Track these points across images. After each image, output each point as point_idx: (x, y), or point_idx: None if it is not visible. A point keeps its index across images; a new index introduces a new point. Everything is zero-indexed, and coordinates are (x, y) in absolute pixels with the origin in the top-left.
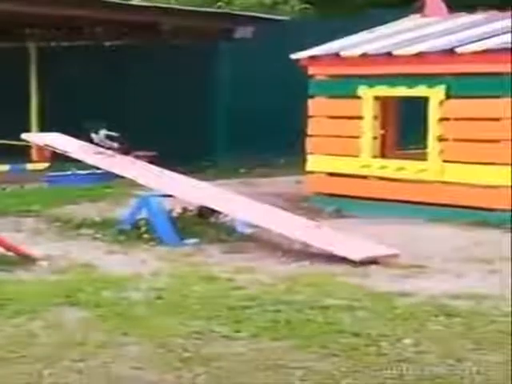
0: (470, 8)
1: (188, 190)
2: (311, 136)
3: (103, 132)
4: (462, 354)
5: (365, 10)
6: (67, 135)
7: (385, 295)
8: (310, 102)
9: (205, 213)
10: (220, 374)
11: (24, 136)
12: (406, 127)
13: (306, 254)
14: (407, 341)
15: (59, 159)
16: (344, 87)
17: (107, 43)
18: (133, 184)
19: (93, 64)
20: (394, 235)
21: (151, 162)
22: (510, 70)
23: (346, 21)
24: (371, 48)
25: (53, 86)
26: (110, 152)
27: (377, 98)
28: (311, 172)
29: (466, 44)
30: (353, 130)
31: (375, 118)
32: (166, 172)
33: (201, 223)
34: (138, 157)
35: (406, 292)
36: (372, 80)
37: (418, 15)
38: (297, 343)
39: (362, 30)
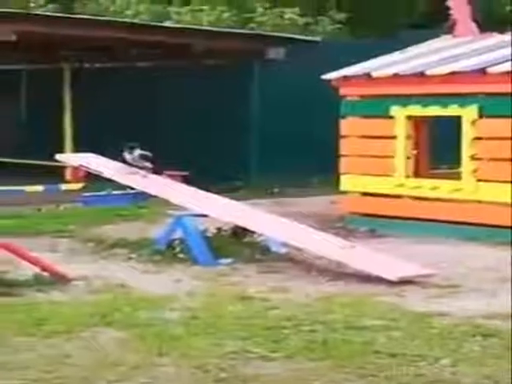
0: (500, 27)
1: (222, 210)
2: (344, 156)
3: (137, 152)
4: (500, 374)
5: (396, 31)
6: (101, 156)
7: (421, 315)
8: (342, 122)
9: (239, 232)
10: None
11: (58, 157)
12: (438, 146)
13: (342, 273)
14: (445, 361)
15: (93, 179)
16: (376, 107)
17: (141, 64)
18: (167, 204)
19: (126, 85)
20: (428, 255)
21: (183, 182)
22: None
23: (378, 41)
24: (403, 68)
25: (87, 107)
26: (143, 172)
27: (409, 117)
28: (345, 192)
29: (498, 64)
30: (386, 150)
31: (408, 137)
32: (200, 192)
33: (235, 243)
34: (170, 176)
35: (443, 312)
36: (404, 100)
37: (449, 35)
38: (333, 363)
39: (393, 50)
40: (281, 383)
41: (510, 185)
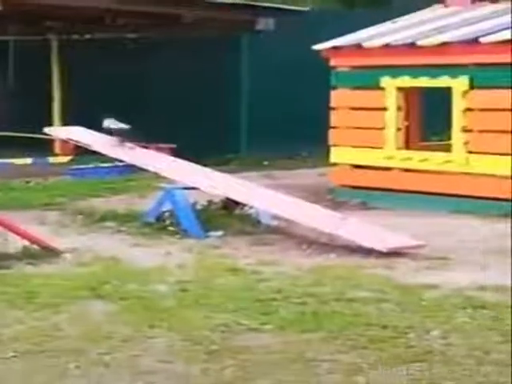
0: None
1: (212, 183)
2: (334, 128)
3: (112, 122)
4: (490, 346)
5: (387, 0)
6: (90, 128)
7: (411, 287)
8: (332, 93)
9: (229, 205)
10: (247, 366)
11: (47, 130)
12: (429, 118)
13: (332, 246)
14: (435, 333)
15: (82, 152)
16: (367, 78)
17: (129, 35)
18: (156, 176)
19: (115, 56)
20: (418, 227)
21: (171, 155)
22: None
23: (369, 11)
24: (394, 38)
25: (75, 79)
26: (130, 144)
27: (400, 88)
28: (335, 164)
29: (489, 34)
30: (376, 122)
31: (399, 109)
32: (189, 164)
33: (226, 215)
34: (158, 149)
35: (433, 284)
36: (395, 71)
37: (440, 5)
38: (324, 335)
39: (384, 20)
40: (271, 355)
41: (500, 157)
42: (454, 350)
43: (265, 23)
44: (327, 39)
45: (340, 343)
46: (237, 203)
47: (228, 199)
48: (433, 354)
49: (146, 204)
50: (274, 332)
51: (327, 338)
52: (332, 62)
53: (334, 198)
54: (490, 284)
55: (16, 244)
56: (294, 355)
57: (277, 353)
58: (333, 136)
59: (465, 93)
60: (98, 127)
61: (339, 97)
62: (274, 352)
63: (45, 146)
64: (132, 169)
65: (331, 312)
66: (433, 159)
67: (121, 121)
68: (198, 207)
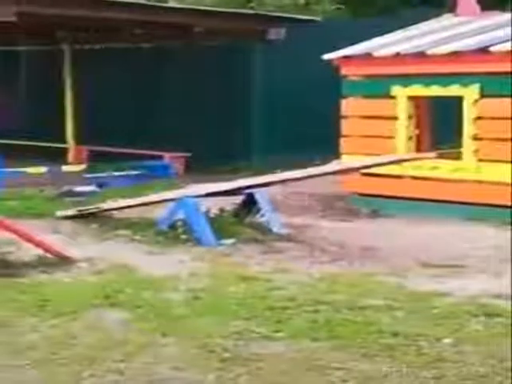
0: (502, 6)
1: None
2: (345, 136)
3: None
4: (504, 354)
5: (397, 10)
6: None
7: (423, 295)
8: (343, 102)
9: (241, 213)
10: (260, 374)
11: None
12: (439, 126)
13: (344, 254)
14: (447, 341)
15: (95, 161)
16: (377, 87)
17: (143, 45)
18: (169, 185)
19: (128, 66)
20: (429, 235)
21: (185, 164)
22: None
23: (379, 20)
24: (404, 47)
25: (88, 88)
26: None
27: (411, 97)
28: None
29: (500, 43)
30: (387, 130)
31: (409, 117)
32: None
33: (237, 223)
34: (173, 158)
35: (445, 292)
36: (405, 80)
37: (450, 14)
38: (336, 343)
39: (394, 29)
40: (284, 363)
41: (509, 164)
42: (468, 357)
43: (276, 33)
44: (338, 48)
45: (352, 351)
46: (249, 211)
47: (240, 207)
48: (445, 361)
49: (159, 212)
50: (286, 340)
51: (339, 346)
52: (343, 71)
53: (346, 206)
54: (502, 292)
55: (30, 252)
56: (307, 363)
57: (289, 361)
58: (344, 144)
59: (475, 101)
60: (109, 135)
61: (350, 105)
62: (287, 360)
63: (58, 155)
64: (145, 177)
65: (343, 320)
66: (443, 167)
67: (132, 130)
68: (211, 215)
